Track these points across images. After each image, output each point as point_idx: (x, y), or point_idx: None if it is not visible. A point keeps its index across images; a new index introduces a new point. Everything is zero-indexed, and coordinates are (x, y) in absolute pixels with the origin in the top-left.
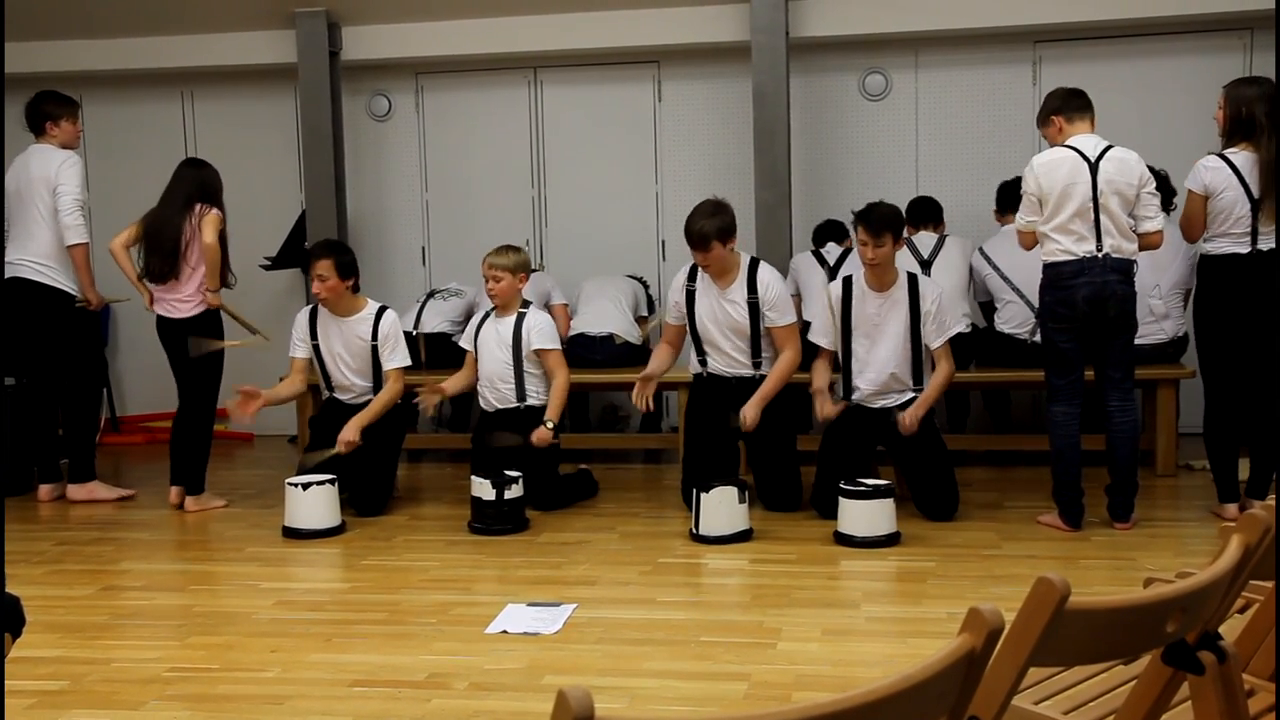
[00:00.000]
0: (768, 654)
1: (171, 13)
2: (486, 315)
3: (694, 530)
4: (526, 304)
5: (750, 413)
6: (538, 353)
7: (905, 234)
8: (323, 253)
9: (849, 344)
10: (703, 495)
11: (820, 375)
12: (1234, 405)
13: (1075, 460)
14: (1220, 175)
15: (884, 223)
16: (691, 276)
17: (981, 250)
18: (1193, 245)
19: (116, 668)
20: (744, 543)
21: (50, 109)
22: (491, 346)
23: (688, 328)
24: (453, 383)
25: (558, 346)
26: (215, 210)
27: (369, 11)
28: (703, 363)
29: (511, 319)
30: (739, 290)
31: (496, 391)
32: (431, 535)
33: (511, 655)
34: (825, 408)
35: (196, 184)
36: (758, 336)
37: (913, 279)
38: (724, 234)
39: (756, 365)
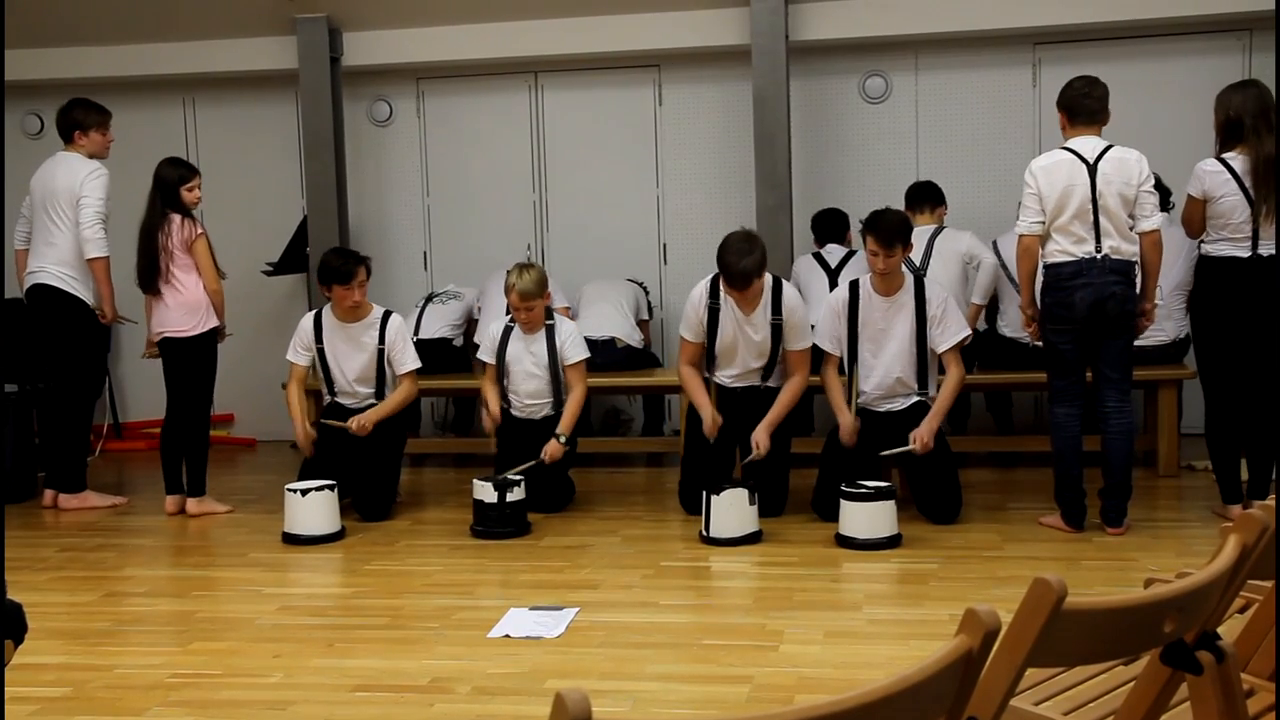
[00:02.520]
0: (770, 657)
1: (173, 19)
2: (508, 329)
3: (704, 532)
4: (549, 313)
5: (762, 439)
6: (569, 365)
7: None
8: (356, 260)
9: (855, 348)
10: (713, 498)
11: (836, 391)
12: (1233, 406)
13: (1077, 461)
14: (1219, 179)
15: (894, 233)
16: (713, 293)
17: (995, 244)
18: (1194, 247)
19: (120, 674)
20: (754, 544)
21: (79, 117)
22: (525, 365)
23: (706, 346)
24: (495, 403)
25: (586, 355)
26: (199, 231)
27: (370, 17)
28: (709, 372)
29: (541, 335)
30: (763, 314)
31: (531, 405)
32: (434, 540)
33: (514, 659)
34: (845, 426)
35: (159, 186)
36: (776, 357)
37: (919, 282)
38: (763, 269)
39: (765, 378)
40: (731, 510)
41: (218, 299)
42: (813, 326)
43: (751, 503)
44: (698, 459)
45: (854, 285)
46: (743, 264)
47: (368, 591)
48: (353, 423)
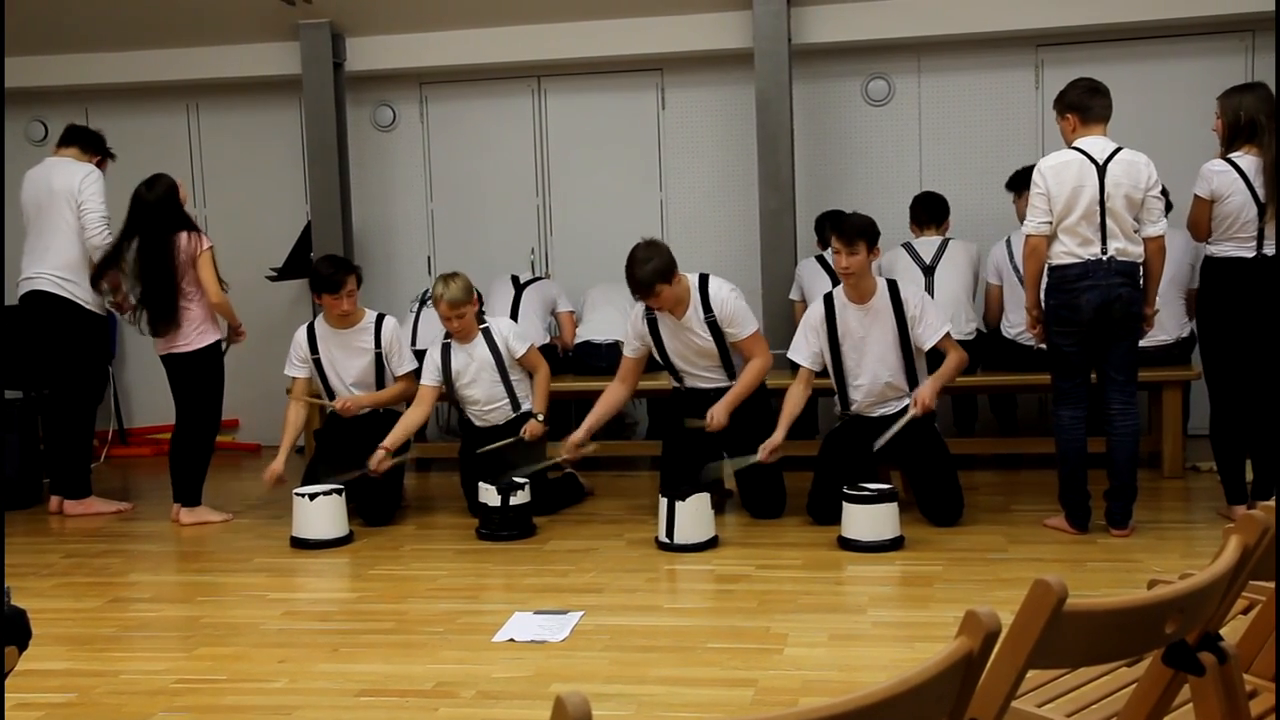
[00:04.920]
0: (774, 660)
1: (176, 26)
2: (446, 346)
3: (666, 539)
4: (480, 317)
5: (718, 413)
6: (520, 358)
7: (909, 235)
8: (346, 269)
9: (839, 358)
10: (678, 504)
11: (790, 405)
12: (1238, 407)
13: (1081, 463)
14: (1227, 179)
15: (856, 231)
16: (649, 307)
17: (1007, 241)
18: (1193, 245)
19: (125, 680)
20: (716, 549)
21: (104, 147)
22: (472, 374)
23: (658, 357)
24: (399, 435)
25: (531, 343)
26: (206, 245)
27: (373, 23)
28: (679, 381)
29: (479, 340)
30: (695, 315)
31: (490, 412)
32: (439, 544)
33: (518, 663)
34: (774, 438)
35: (157, 209)
36: (727, 353)
37: (893, 286)
38: (664, 275)
39: (730, 375)
40: (696, 516)
41: (223, 310)
42: None
43: (711, 508)
44: (675, 463)
45: (828, 297)
46: (638, 274)
47: (372, 596)
48: (337, 402)
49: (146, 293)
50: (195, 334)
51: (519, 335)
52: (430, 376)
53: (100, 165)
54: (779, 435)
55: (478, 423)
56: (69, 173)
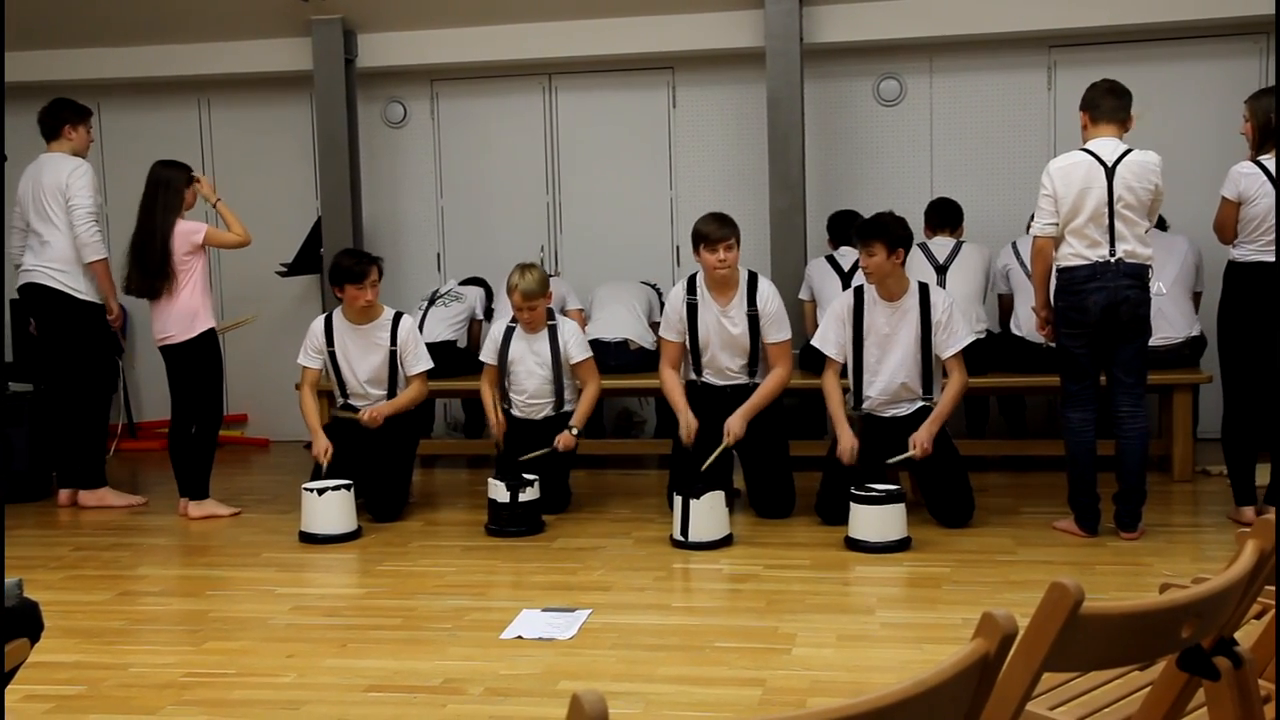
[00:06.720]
0: (782, 660)
1: (188, 21)
2: (510, 330)
3: (680, 537)
4: (551, 314)
5: (736, 424)
6: (576, 364)
7: (924, 237)
8: (369, 260)
9: (860, 353)
10: (692, 501)
11: (836, 402)
12: (1254, 409)
13: (1090, 465)
14: (1254, 181)
15: (870, 231)
16: (691, 289)
17: (1014, 245)
18: (1197, 246)
19: (134, 673)
20: (728, 547)
21: (69, 115)
22: (528, 364)
23: (687, 341)
24: (494, 409)
25: (591, 354)
26: (200, 238)
27: (384, 19)
28: (698, 372)
29: (544, 334)
30: (739, 306)
31: (533, 405)
32: (447, 540)
33: (526, 661)
34: (844, 446)
35: (164, 187)
36: (757, 352)
37: (924, 288)
38: (738, 233)
39: (751, 375)
40: (711, 514)
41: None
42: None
43: (726, 505)
44: (685, 460)
45: (859, 291)
46: (703, 226)
47: (381, 592)
48: (364, 413)
49: (145, 258)
50: (188, 323)
51: (580, 343)
52: (488, 354)
53: (86, 128)
54: (846, 437)
55: (517, 412)
56: (58, 169)
